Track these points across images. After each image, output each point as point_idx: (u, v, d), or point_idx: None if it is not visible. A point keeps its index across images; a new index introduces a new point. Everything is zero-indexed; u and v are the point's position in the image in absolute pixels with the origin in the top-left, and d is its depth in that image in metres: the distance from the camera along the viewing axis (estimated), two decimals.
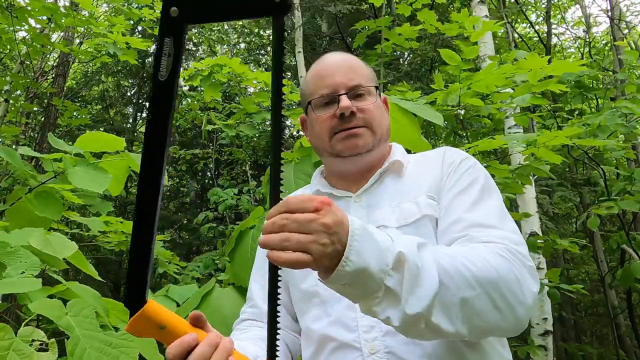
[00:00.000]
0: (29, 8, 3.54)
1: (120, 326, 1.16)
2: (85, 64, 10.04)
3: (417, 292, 0.72)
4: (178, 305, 2.02)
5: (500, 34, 7.76)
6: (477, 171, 1.02)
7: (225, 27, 11.63)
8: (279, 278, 0.76)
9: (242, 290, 1.64)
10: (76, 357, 0.90)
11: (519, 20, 10.69)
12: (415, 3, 3.65)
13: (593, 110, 6.99)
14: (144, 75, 11.97)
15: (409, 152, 1.20)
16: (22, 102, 6.09)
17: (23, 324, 0.95)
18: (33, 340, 0.90)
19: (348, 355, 0.94)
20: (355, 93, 1.06)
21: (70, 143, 1.73)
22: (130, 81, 12.57)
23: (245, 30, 12.47)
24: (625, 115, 2.94)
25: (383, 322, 0.76)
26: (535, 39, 10.19)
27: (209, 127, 4.39)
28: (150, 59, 12.03)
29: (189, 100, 7.48)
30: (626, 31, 8.92)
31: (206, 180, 11.35)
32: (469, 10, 4.26)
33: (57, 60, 7.15)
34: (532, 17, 11.32)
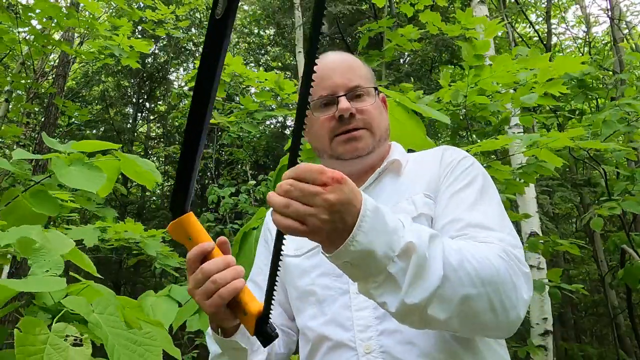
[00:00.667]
0: (37, 11, 3.54)
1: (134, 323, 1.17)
2: (85, 64, 10.03)
3: (420, 283, 0.72)
4: (180, 305, 2.02)
5: (500, 34, 7.76)
6: (475, 170, 1.01)
7: None
8: (278, 277, 0.80)
9: None
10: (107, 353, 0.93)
11: (519, 20, 10.70)
12: (417, 4, 3.64)
13: (593, 110, 7.00)
14: (144, 75, 11.98)
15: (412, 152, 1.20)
16: (24, 102, 6.09)
17: (55, 319, 0.96)
18: (67, 336, 0.91)
19: (343, 355, 0.93)
20: (354, 94, 1.05)
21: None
22: (130, 81, 12.57)
23: (245, 31, 12.49)
24: (627, 113, 2.94)
25: (379, 306, 0.75)
26: (535, 38, 10.20)
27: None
28: (149, 59, 12.03)
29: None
30: (626, 31, 8.92)
31: (206, 181, 11.35)
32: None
33: (57, 61, 7.15)
34: (532, 17, 11.34)
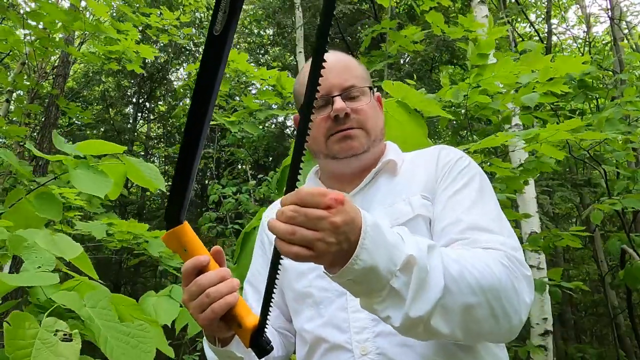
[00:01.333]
0: (45, 14, 3.54)
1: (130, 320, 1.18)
2: (85, 64, 10.04)
3: (423, 295, 0.72)
4: (181, 305, 2.02)
5: None
6: (472, 170, 1.01)
7: None
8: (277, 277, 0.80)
9: None
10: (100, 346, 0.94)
11: (519, 20, 10.70)
12: (422, 5, 3.66)
13: (593, 110, 7.00)
14: (144, 75, 11.98)
15: None
16: (26, 102, 6.10)
17: (45, 314, 0.96)
18: (57, 331, 0.91)
19: (340, 357, 0.94)
20: (349, 94, 1.05)
21: (71, 143, 1.73)
22: (130, 81, 12.57)
23: (246, 31, 12.49)
24: (628, 113, 2.95)
25: (382, 321, 0.76)
26: (535, 38, 10.20)
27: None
28: (149, 60, 12.02)
29: None
30: (626, 31, 8.93)
31: (206, 181, 11.36)
32: (469, 10, 4.28)
33: (57, 61, 7.15)
34: (532, 17, 11.34)
